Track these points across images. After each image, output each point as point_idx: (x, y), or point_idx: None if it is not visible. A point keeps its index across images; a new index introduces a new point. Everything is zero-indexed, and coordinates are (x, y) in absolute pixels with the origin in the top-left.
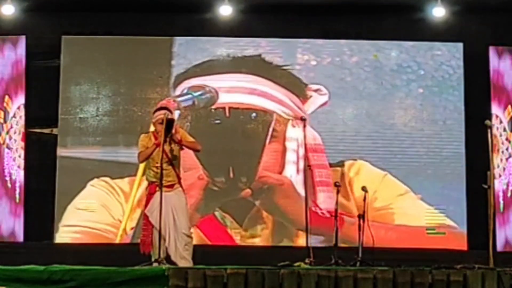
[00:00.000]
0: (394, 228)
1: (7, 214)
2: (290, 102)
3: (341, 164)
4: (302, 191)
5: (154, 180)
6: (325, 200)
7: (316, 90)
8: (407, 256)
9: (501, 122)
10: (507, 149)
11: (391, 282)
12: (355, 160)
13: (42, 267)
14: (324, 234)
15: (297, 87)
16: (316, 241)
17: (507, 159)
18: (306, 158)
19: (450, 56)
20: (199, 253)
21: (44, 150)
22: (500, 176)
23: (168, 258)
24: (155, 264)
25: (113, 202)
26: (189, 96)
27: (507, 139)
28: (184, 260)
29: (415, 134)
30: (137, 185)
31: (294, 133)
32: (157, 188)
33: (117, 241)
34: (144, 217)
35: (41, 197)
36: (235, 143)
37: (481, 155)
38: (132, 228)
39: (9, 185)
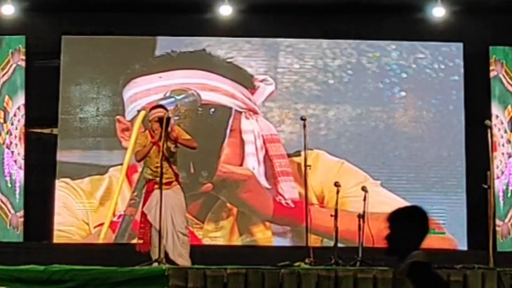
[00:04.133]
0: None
1: (7, 214)
2: (240, 94)
3: (297, 154)
4: (265, 183)
5: (151, 178)
6: (288, 190)
7: (262, 81)
8: None
9: (502, 122)
10: (507, 149)
11: (391, 282)
12: (312, 149)
13: (42, 267)
14: (290, 224)
15: (244, 79)
16: (280, 230)
17: (507, 159)
18: (305, 158)
19: (449, 56)
20: (198, 253)
21: (44, 150)
22: (500, 176)
23: (166, 257)
24: (155, 264)
25: (75, 204)
26: (172, 99)
27: (507, 139)
28: (182, 258)
29: (415, 134)
30: (118, 193)
31: (249, 125)
32: (155, 186)
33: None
34: (142, 215)
35: (41, 197)
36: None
37: (481, 155)
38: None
39: (9, 185)
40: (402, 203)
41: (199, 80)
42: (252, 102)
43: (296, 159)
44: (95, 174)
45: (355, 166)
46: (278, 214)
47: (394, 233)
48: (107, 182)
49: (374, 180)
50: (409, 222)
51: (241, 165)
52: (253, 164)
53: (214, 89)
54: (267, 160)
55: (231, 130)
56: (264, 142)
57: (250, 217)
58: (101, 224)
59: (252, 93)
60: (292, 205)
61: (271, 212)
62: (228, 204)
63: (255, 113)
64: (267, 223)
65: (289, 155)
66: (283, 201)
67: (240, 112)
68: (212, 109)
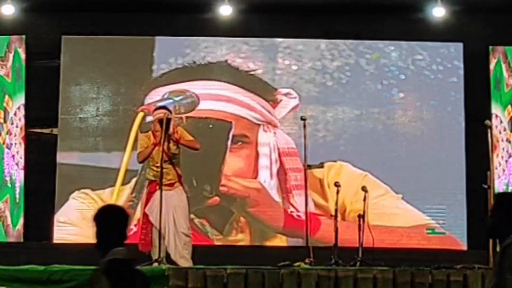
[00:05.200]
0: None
1: (7, 214)
2: (259, 107)
3: (320, 165)
4: (276, 196)
5: (153, 179)
6: (301, 203)
7: (286, 94)
8: (407, 256)
9: (501, 122)
10: (507, 149)
11: (391, 282)
12: (335, 161)
13: (42, 267)
14: (301, 237)
15: (266, 92)
16: (295, 244)
17: (507, 159)
18: (305, 158)
19: (448, 57)
20: (198, 253)
21: (44, 150)
22: (500, 176)
23: (168, 257)
24: (155, 264)
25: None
26: (170, 101)
27: (507, 139)
28: (183, 259)
29: (415, 134)
30: (116, 194)
31: (266, 138)
32: (157, 187)
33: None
34: (144, 216)
35: (41, 197)
36: (194, 152)
37: (481, 155)
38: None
39: (9, 185)
40: (421, 217)
41: (218, 91)
42: (272, 115)
43: (318, 171)
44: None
45: (377, 175)
46: (288, 226)
47: (98, 230)
48: (129, 192)
49: (396, 194)
50: (109, 220)
51: (255, 177)
52: (265, 178)
53: (231, 100)
54: (282, 173)
55: (247, 142)
56: (279, 155)
57: (262, 229)
58: None
59: (274, 107)
60: (304, 218)
61: (282, 224)
62: (242, 217)
63: (274, 126)
64: (283, 238)
65: (310, 167)
66: (295, 214)
67: (258, 125)
68: (211, 124)
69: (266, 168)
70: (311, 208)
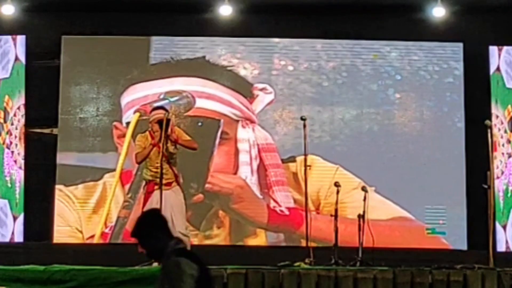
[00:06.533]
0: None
1: (7, 214)
2: (238, 103)
3: (292, 159)
4: (257, 192)
5: (151, 179)
6: (282, 199)
7: (262, 89)
8: (407, 256)
9: (501, 122)
10: (507, 149)
11: (391, 282)
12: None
13: (42, 267)
14: (284, 232)
15: (243, 87)
16: (275, 239)
17: (507, 159)
18: (305, 159)
19: (445, 58)
20: (198, 253)
21: (44, 150)
22: (500, 176)
23: None
24: (155, 264)
25: (68, 211)
26: (166, 101)
27: (507, 139)
28: None
29: (413, 135)
30: (112, 195)
31: (245, 134)
32: (155, 187)
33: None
34: None
35: (41, 197)
36: (182, 149)
37: (481, 155)
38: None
39: (9, 185)
40: (394, 208)
41: (197, 87)
42: (250, 111)
43: (292, 166)
44: (89, 181)
45: (350, 169)
46: (272, 221)
47: None
48: (101, 188)
49: (369, 186)
50: None
51: (235, 173)
52: (246, 174)
53: (211, 97)
54: (262, 169)
55: (226, 139)
56: (259, 151)
57: (243, 224)
58: (93, 236)
59: (251, 102)
60: (287, 212)
61: (266, 220)
62: (221, 213)
63: (252, 122)
64: (261, 233)
65: (283, 161)
66: (277, 208)
67: (237, 121)
68: (200, 122)
69: (247, 164)
70: (291, 203)
